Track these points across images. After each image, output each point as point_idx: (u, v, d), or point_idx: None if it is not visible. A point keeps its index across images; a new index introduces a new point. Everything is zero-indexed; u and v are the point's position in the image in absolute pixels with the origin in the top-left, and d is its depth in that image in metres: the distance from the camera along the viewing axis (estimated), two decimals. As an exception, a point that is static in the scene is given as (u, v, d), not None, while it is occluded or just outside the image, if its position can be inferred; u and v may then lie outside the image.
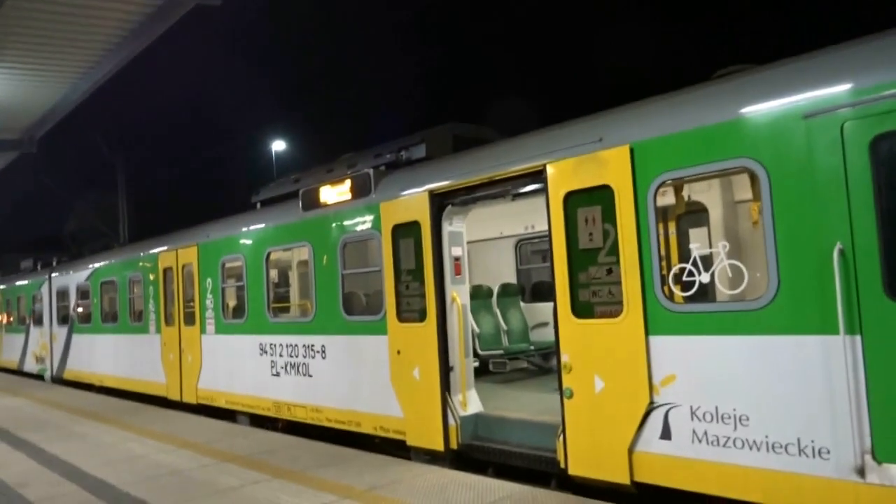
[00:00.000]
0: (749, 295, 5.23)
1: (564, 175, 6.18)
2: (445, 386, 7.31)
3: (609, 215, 5.83)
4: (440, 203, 7.51)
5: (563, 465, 6.12)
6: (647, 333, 5.52)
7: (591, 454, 5.87)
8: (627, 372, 5.63)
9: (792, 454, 4.72)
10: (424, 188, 7.64)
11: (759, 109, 4.95)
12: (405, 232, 7.86)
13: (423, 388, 7.51)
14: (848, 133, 4.50)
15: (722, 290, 5.39)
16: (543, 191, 6.41)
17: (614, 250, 5.77)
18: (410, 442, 7.68)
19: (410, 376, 7.68)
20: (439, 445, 7.32)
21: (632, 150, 5.67)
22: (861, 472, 4.39)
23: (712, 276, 5.30)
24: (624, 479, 5.61)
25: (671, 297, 5.47)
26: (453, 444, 7.26)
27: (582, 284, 6.04)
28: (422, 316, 7.59)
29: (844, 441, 4.48)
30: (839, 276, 4.46)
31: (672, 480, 5.35)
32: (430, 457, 7.51)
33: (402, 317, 7.89)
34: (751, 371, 4.94)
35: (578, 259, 6.07)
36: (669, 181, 5.57)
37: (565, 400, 6.08)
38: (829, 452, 4.56)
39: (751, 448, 4.92)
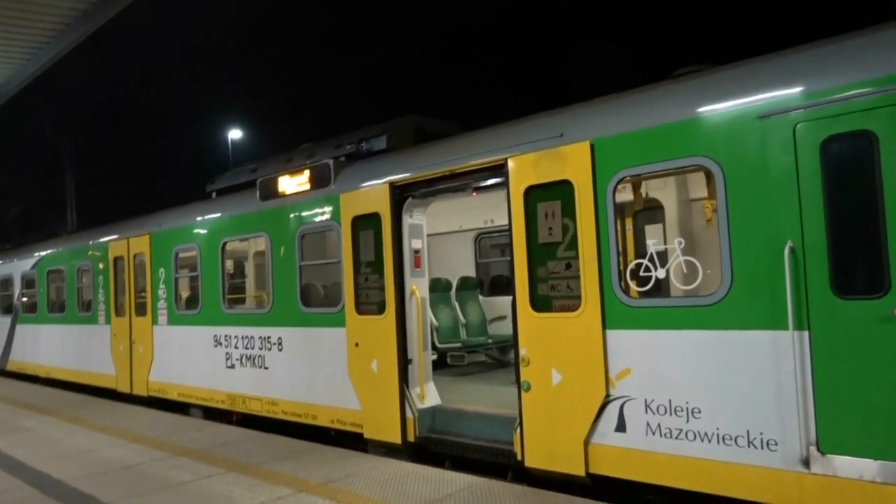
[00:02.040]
0: (703, 291, 5.35)
1: (525, 169, 6.21)
2: (403, 379, 7.30)
3: (569, 210, 5.89)
4: (401, 195, 7.48)
5: (519, 458, 6.17)
6: (604, 327, 5.61)
7: (547, 446, 5.94)
8: (584, 365, 5.71)
9: (741, 446, 4.85)
10: (385, 180, 7.59)
11: (716, 109, 5.05)
12: (365, 224, 7.80)
13: (381, 380, 7.48)
14: (800, 134, 4.63)
15: (677, 285, 5.50)
16: (504, 185, 6.43)
17: (573, 245, 5.83)
18: (367, 435, 7.65)
19: (368, 369, 7.63)
20: (396, 438, 7.30)
21: (592, 147, 5.73)
22: (806, 462, 4.55)
23: (668, 271, 5.40)
24: (579, 471, 5.69)
25: (628, 291, 5.56)
26: (410, 437, 7.25)
27: (541, 279, 6.09)
28: (381, 308, 7.56)
29: (791, 433, 4.63)
30: (789, 274, 4.59)
31: (627, 472, 5.45)
32: (386, 450, 7.50)
33: (360, 309, 7.83)
34: (703, 365, 5.07)
35: (537, 253, 6.12)
36: (628, 177, 5.65)
37: (523, 393, 6.13)
38: (776, 444, 4.70)
39: (702, 440, 5.05)
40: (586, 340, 5.69)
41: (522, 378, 6.14)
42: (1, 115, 18.15)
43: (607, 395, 5.56)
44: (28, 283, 16.75)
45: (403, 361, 7.32)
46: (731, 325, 4.92)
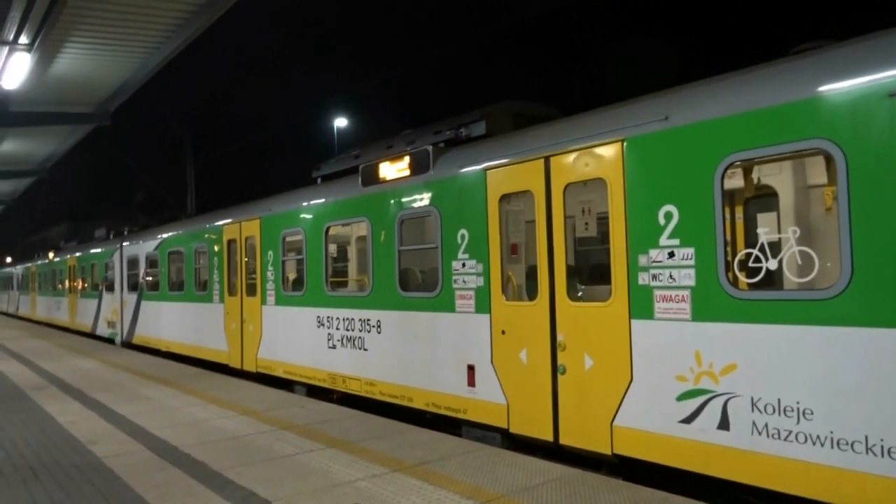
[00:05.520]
0: (819, 284, 4.99)
1: (564, 167, 6.57)
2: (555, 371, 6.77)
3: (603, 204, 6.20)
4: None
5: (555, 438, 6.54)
6: (630, 317, 5.93)
7: (578, 426, 6.37)
8: (612, 352, 6.08)
9: (858, 452, 4.51)
10: (540, 154, 7.00)
11: (839, 87, 4.67)
12: (513, 202, 7.51)
13: (531, 372, 6.97)
14: None
15: (790, 277, 5.16)
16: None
17: (607, 237, 6.18)
18: (514, 430, 7.18)
19: (517, 359, 7.14)
20: (548, 435, 6.75)
21: (685, 131, 5.54)
22: (934, 473, 4.17)
23: (780, 262, 5.07)
24: (605, 450, 6.10)
25: (736, 283, 5.27)
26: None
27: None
28: (531, 294, 7.20)
29: (917, 441, 4.25)
30: None
31: (730, 472, 5.21)
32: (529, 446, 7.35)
33: (508, 294, 7.52)
34: (817, 363, 4.73)
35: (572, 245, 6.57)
36: (738, 162, 5.34)
37: (559, 376, 6.52)
38: (899, 452, 4.34)
39: (814, 443, 4.73)
40: (614, 329, 6.00)
41: (559, 362, 6.48)
42: (130, 106, 19.50)
43: (632, 381, 5.86)
44: (151, 262, 18.00)
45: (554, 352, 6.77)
46: (850, 321, 4.57)
